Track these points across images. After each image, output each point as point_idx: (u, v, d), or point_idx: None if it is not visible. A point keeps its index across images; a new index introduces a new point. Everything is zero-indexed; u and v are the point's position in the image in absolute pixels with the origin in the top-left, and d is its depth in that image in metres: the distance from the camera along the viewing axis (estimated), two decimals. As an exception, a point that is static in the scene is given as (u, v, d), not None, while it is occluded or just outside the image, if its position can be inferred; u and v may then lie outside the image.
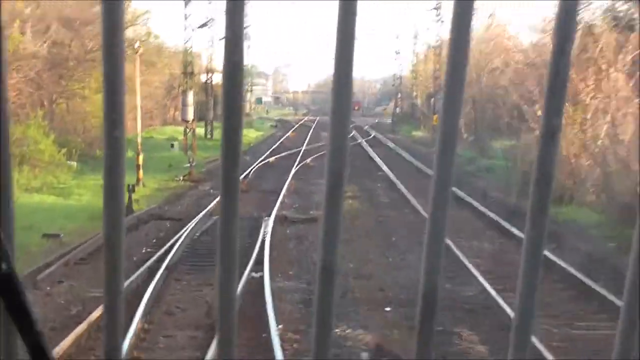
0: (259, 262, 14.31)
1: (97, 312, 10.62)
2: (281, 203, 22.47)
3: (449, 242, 16.59)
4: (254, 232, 17.85)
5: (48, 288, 12.60)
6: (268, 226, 18.29)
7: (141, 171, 26.51)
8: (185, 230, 17.27)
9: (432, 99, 54.58)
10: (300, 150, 41.86)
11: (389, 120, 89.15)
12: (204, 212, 19.82)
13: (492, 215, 20.34)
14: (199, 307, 11.68)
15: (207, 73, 51.20)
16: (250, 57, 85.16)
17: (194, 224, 18.04)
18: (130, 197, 20.30)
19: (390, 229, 18.95)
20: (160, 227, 18.60)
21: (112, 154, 1.15)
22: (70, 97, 38.14)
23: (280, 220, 19.80)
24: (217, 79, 55.99)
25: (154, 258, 14.44)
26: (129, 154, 37.64)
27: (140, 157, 26.52)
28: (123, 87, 1.14)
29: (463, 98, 1.16)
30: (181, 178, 28.72)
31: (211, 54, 51.66)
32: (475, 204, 22.96)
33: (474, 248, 16.66)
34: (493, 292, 12.55)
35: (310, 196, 25.12)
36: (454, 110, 1.15)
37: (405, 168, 35.44)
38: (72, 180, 27.31)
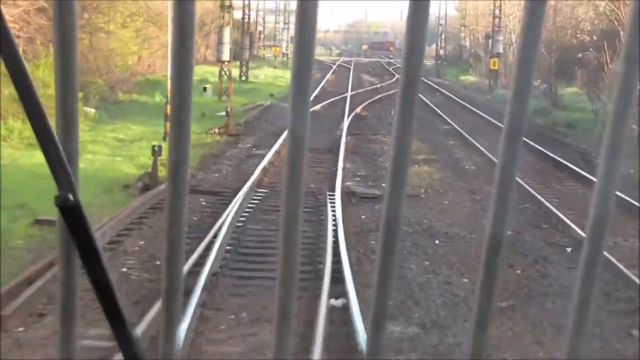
0: (337, 278, 9.81)
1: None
2: (342, 170, 17.90)
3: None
4: (317, 216, 13.37)
5: (20, 329, 8.09)
6: (335, 208, 13.73)
7: (169, 123, 21.88)
8: (227, 213, 12.83)
9: (490, 40, 49.26)
10: (346, 97, 37.41)
11: (428, 63, 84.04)
12: (248, 184, 15.37)
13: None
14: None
15: (244, 8, 46.17)
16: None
17: (237, 204, 13.58)
18: (155, 162, 15.87)
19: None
20: (194, 205, 14.10)
21: (182, 74, 1.09)
22: (92, 31, 33.68)
23: (347, 197, 15.27)
24: (253, 15, 51.05)
25: (187, 266, 9.99)
26: (156, 98, 33.21)
27: (169, 106, 21.72)
28: (195, 8, 1.08)
29: (541, 38, 1.06)
30: (216, 131, 24.06)
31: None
32: (582, 172, 18.29)
33: (621, 247, 12.02)
34: None
35: (374, 159, 20.56)
36: (531, 53, 1.05)
37: (472, 121, 30.73)
38: (87, 131, 22.87)
